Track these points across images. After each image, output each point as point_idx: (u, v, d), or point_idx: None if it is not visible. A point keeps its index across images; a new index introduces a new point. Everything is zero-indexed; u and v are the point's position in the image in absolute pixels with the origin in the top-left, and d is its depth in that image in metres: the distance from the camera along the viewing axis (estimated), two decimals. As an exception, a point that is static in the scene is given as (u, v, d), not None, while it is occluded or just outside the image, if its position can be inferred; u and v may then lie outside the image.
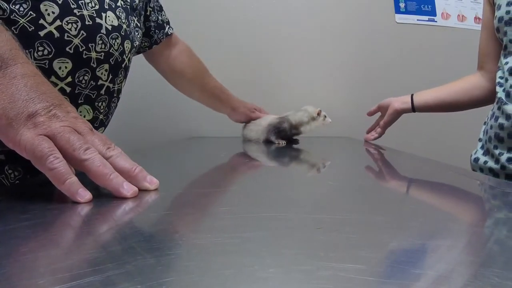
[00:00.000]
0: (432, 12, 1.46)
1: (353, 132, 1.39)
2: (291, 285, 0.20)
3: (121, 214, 0.35)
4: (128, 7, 0.70)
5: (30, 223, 0.31)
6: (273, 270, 0.22)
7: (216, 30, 1.36)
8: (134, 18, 0.73)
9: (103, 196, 0.39)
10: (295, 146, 0.99)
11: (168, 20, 0.93)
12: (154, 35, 0.89)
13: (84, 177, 0.38)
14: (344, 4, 1.42)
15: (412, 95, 1.05)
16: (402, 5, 1.45)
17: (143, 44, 0.89)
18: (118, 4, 0.66)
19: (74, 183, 0.36)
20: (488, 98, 0.94)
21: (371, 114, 1.16)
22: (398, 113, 1.07)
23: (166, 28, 0.92)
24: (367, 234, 0.29)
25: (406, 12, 1.45)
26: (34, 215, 0.33)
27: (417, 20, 1.46)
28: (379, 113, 1.17)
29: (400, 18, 1.45)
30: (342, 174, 0.64)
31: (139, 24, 0.77)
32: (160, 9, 0.90)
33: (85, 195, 0.36)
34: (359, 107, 1.44)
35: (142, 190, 0.40)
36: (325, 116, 1.04)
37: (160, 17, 0.90)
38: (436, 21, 1.46)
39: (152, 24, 0.88)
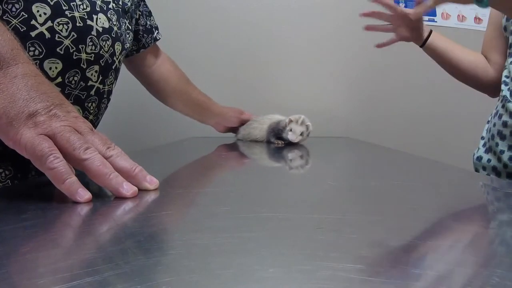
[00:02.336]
0: (432, 12, 1.46)
1: (353, 132, 1.39)
2: (291, 285, 0.20)
3: (121, 214, 0.35)
4: (120, 9, 0.71)
5: (30, 223, 0.31)
6: (273, 270, 0.22)
7: (215, 30, 1.36)
8: (125, 20, 0.74)
9: (103, 196, 0.39)
10: (295, 146, 0.99)
11: (157, 26, 0.93)
12: (142, 39, 0.89)
13: (84, 177, 0.38)
14: (344, 4, 1.42)
15: (431, 31, 0.94)
16: (402, 5, 1.44)
17: (131, 47, 0.89)
18: (110, 6, 0.66)
19: (74, 182, 0.36)
20: (486, 84, 0.93)
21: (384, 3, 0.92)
22: (410, 22, 0.89)
23: (155, 33, 0.92)
24: (367, 234, 0.29)
25: (406, 12, 1.45)
26: (34, 215, 0.33)
27: (417, 20, 1.45)
28: None
29: (400, 18, 1.44)
30: (342, 174, 0.64)
31: (130, 27, 0.77)
32: (149, 14, 0.91)
33: (84, 194, 0.36)
34: (358, 107, 1.45)
35: (142, 190, 0.40)
36: (291, 130, 0.94)
37: (148, 22, 0.90)
38: (436, 21, 1.46)
39: (141, 28, 0.88)
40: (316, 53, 1.42)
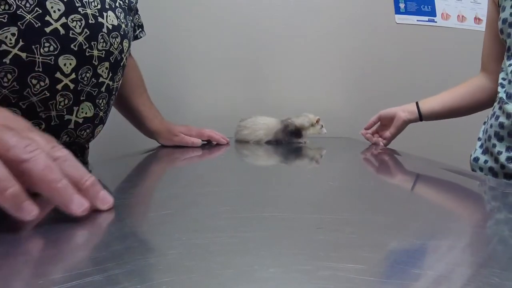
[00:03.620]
0: (432, 13, 1.46)
1: (353, 132, 1.39)
2: (291, 285, 0.20)
3: (120, 213, 0.35)
4: (126, 7, 0.71)
5: (30, 223, 0.31)
6: (273, 270, 0.22)
7: (215, 30, 1.36)
8: (130, 17, 0.74)
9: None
10: (295, 146, 0.99)
11: (142, 24, 0.92)
12: None
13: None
14: (345, 4, 1.42)
15: (416, 103, 1.01)
16: (402, 5, 1.45)
17: None
18: (117, 4, 0.68)
19: (18, 193, 0.27)
20: (493, 99, 0.93)
21: (370, 126, 1.10)
22: (406, 124, 1.03)
23: (137, 31, 0.91)
24: (367, 234, 0.29)
25: (406, 12, 1.45)
26: (34, 215, 0.33)
27: (417, 20, 1.46)
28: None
29: (400, 18, 1.45)
30: (342, 174, 0.64)
31: (131, 24, 0.78)
32: (135, 12, 0.90)
33: (31, 210, 0.27)
34: (359, 108, 1.45)
35: (142, 190, 0.40)
36: (322, 126, 1.08)
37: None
38: (436, 22, 1.47)
39: None
40: (316, 54, 1.42)
